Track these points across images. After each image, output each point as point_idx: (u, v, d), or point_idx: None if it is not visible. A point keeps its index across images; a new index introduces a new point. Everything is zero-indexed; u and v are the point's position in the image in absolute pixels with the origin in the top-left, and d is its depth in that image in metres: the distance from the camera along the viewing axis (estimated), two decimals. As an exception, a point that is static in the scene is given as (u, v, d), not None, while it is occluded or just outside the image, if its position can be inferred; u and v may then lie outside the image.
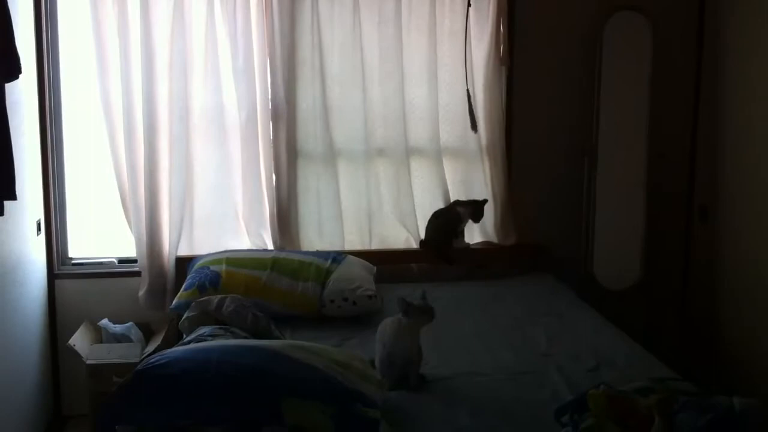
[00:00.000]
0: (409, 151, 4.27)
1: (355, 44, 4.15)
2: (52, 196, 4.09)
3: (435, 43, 4.22)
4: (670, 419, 2.20)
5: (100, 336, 4.03)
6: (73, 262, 4.24)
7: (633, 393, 2.40)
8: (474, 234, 4.38)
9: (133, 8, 3.95)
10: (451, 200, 4.31)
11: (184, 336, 3.14)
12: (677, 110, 4.43)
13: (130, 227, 4.11)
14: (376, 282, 3.82)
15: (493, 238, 4.39)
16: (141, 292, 4.10)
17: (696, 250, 4.45)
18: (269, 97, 4.14)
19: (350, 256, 3.97)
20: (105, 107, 4.02)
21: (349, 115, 4.21)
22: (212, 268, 3.75)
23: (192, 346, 2.68)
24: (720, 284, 4.22)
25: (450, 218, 4.25)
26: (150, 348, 3.89)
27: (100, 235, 4.36)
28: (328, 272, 3.76)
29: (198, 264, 3.86)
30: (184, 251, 4.14)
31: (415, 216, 4.30)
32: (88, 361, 3.74)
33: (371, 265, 3.99)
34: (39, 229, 3.97)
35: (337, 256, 3.92)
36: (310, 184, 4.23)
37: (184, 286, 3.72)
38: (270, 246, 4.20)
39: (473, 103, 4.24)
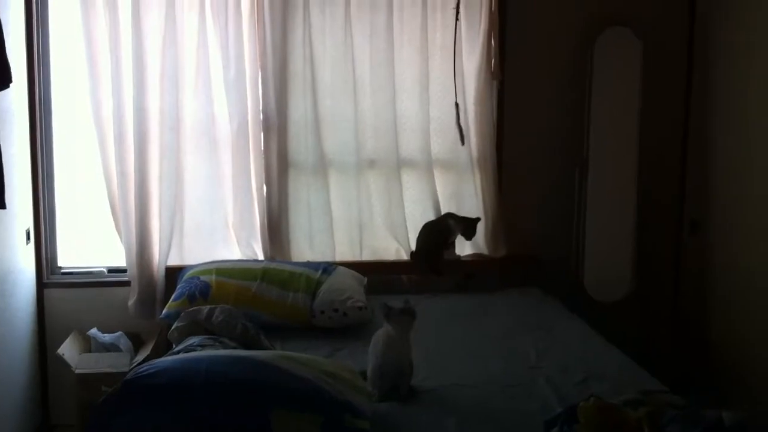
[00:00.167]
0: (400, 163, 4.28)
1: (347, 57, 4.16)
2: (42, 205, 4.08)
3: (426, 56, 4.24)
4: (659, 432, 2.21)
5: (89, 345, 4.02)
6: (62, 271, 4.22)
7: (622, 405, 2.40)
8: (464, 245, 4.39)
9: (125, 18, 3.95)
10: (442, 212, 4.31)
11: (174, 346, 3.13)
12: (668, 122, 4.45)
13: (120, 237, 4.10)
14: (367, 293, 3.82)
15: (484, 249, 4.39)
16: (131, 302, 4.08)
17: (687, 260, 4.47)
18: (260, 108, 4.15)
19: (341, 267, 3.97)
20: (96, 117, 4.02)
21: (341, 127, 4.22)
22: (202, 278, 3.75)
23: (181, 356, 2.67)
24: (711, 293, 4.24)
25: (441, 229, 4.25)
26: (139, 358, 3.87)
27: (90, 244, 4.34)
28: (319, 283, 3.76)
29: (188, 274, 3.85)
30: (174, 261, 4.13)
31: (406, 227, 4.31)
32: (77, 371, 3.72)
33: (362, 276, 3.99)
34: (28, 238, 3.96)
35: (328, 267, 3.92)
36: (301, 195, 4.23)
37: (173, 296, 3.72)
38: (260, 256, 4.19)
39: (465, 116, 4.26)
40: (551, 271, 4.36)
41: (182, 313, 3.35)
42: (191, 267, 3.94)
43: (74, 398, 3.72)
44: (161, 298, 4.04)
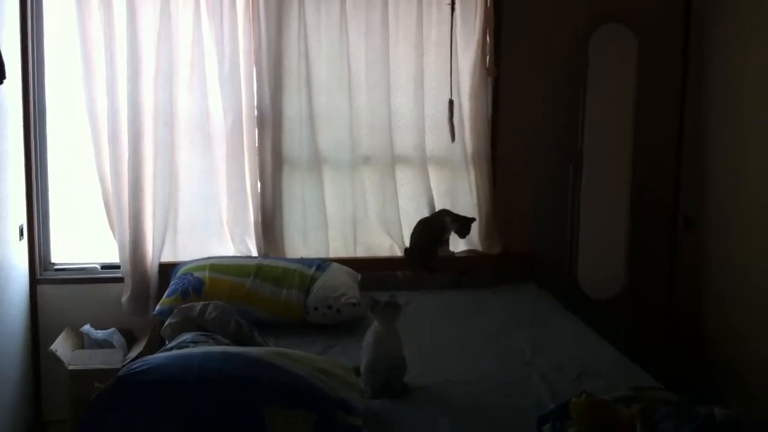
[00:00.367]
0: (395, 160, 4.27)
1: (342, 53, 4.16)
2: (35, 201, 4.07)
3: (422, 53, 4.23)
4: (652, 429, 2.20)
5: (82, 342, 4.01)
6: (55, 267, 4.21)
7: (615, 402, 2.40)
8: (459, 242, 4.38)
9: (120, 14, 3.94)
10: (437, 209, 4.31)
11: (166, 342, 3.12)
12: (663, 118, 4.45)
13: (114, 232, 4.09)
14: (360, 290, 3.81)
15: (478, 246, 4.39)
16: (124, 298, 4.08)
17: (682, 255, 4.48)
18: (255, 104, 4.14)
19: (334, 264, 3.97)
20: (90, 112, 4.01)
21: (335, 123, 4.22)
22: (196, 274, 3.74)
23: (174, 352, 2.67)
24: (707, 288, 4.24)
25: (435, 226, 4.25)
26: (132, 354, 3.87)
27: (83, 240, 4.33)
28: (313, 279, 3.75)
29: (181, 270, 3.84)
30: (167, 257, 4.13)
31: (400, 224, 4.30)
32: (70, 367, 3.71)
33: (355, 272, 3.99)
34: (21, 234, 3.95)
35: (322, 264, 3.92)
36: (296, 191, 4.23)
37: (167, 293, 3.71)
38: (254, 253, 4.19)
39: (459, 113, 4.25)
40: (545, 268, 4.36)
41: (175, 310, 3.34)
42: (185, 263, 3.93)
43: (67, 394, 3.71)
44: (155, 295, 4.03)
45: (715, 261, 4.19)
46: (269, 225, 4.19)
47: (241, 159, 4.14)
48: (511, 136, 4.39)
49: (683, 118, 4.45)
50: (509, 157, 4.39)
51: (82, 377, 3.65)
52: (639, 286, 4.44)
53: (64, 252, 4.24)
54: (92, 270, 4.24)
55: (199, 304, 3.29)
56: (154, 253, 4.09)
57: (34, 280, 4.09)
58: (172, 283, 3.78)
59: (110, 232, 4.11)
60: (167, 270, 4.01)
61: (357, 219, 4.30)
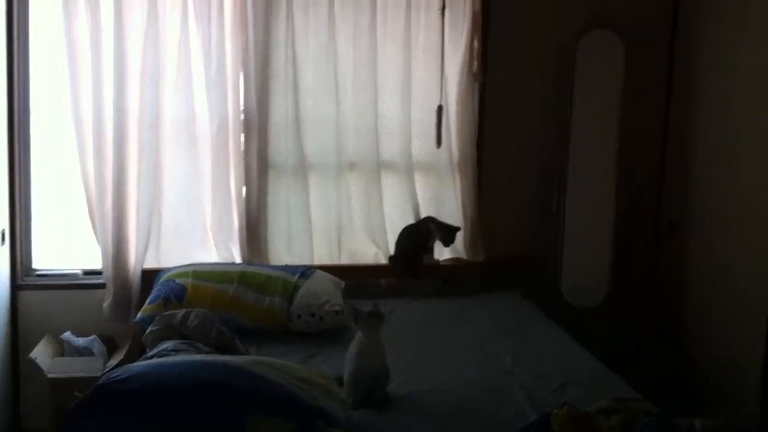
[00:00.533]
0: (380, 165, 4.26)
1: (330, 57, 4.14)
2: (18, 206, 4.02)
3: (409, 57, 4.22)
4: (633, 440, 2.21)
5: (62, 349, 3.96)
6: (37, 273, 4.17)
7: (596, 413, 2.40)
8: (443, 250, 4.38)
9: (107, 17, 3.90)
10: (422, 216, 4.30)
11: (147, 350, 3.10)
12: (649, 123, 4.46)
13: (97, 238, 4.06)
14: (344, 297, 3.79)
15: (462, 254, 4.39)
16: (105, 304, 4.04)
17: (666, 260, 4.48)
18: (241, 107, 4.12)
19: (318, 271, 3.95)
20: (75, 115, 3.97)
21: (322, 128, 4.20)
22: (178, 281, 3.71)
23: (155, 360, 2.65)
24: (690, 292, 4.25)
25: (420, 233, 4.24)
26: (112, 362, 3.82)
27: (66, 246, 4.29)
28: (296, 287, 3.73)
29: (164, 277, 3.82)
30: (150, 263, 4.09)
31: (385, 231, 4.29)
32: (50, 375, 3.66)
33: (339, 280, 3.97)
34: (3, 239, 3.91)
35: (306, 271, 3.90)
36: (280, 197, 4.21)
37: (149, 299, 3.68)
38: (238, 259, 4.16)
39: (447, 118, 4.25)
40: (530, 275, 4.35)
41: (157, 317, 3.31)
42: (167, 270, 3.91)
43: (46, 403, 3.66)
44: (137, 302, 3.99)
45: (699, 263, 4.19)
46: (254, 230, 4.16)
47: (227, 163, 4.11)
48: (497, 143, 4.38)
49: (668, 124, 4.46)
50: (495, 162, 4.38)
51: (61, 385, 3.59)
52: (623, 292, 4.44)
53: (47, 257, 4.20)
54: (74, 276, 4.20)
55: (181, 312, 3.26)
56: (136, 259, 4.05)
57: (15, 286, 4.04)
58: (154, 289, 3.75)
59: (93, 237, 4.07)
60: (150, 276, 3.97)
61: (342, 225, 4.28)
